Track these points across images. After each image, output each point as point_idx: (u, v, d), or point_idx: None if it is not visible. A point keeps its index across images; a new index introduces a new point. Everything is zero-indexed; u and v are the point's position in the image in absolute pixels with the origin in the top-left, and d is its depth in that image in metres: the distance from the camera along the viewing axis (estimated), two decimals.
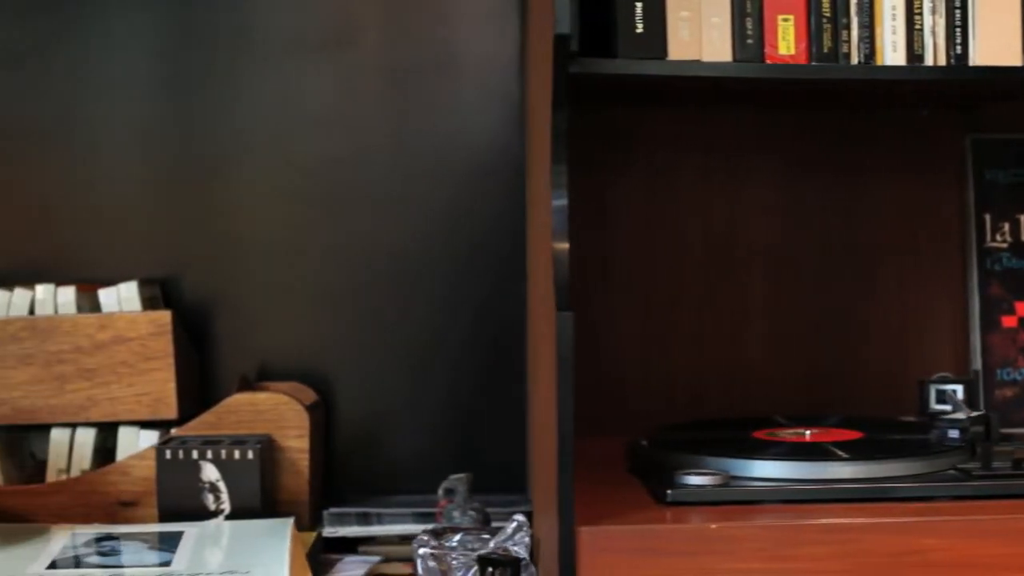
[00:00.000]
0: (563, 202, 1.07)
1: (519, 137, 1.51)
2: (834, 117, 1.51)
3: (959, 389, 1.32)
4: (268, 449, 1.32)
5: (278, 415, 1.34)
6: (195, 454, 1.29)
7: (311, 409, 1.37)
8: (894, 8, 1.22)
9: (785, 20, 1.20)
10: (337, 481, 1.50)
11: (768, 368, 1.51)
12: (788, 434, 1.27)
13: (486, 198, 1.52)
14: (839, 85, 1.27)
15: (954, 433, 1.25)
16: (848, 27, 1.21)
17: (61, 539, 1.22)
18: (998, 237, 1.50)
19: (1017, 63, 1.23)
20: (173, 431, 1.36)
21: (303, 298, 1.51)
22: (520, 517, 1.17)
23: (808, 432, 1.27)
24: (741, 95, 1.39)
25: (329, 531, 1.34)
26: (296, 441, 1.34)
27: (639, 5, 1.18)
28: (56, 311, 1.39)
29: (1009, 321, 1.49)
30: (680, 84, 1.28)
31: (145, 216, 1.50)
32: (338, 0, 1.51)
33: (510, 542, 1.15)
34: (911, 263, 1.53)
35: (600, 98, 1.39)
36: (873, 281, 1.52)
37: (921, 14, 1.22)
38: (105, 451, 1.40)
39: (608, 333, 1.49)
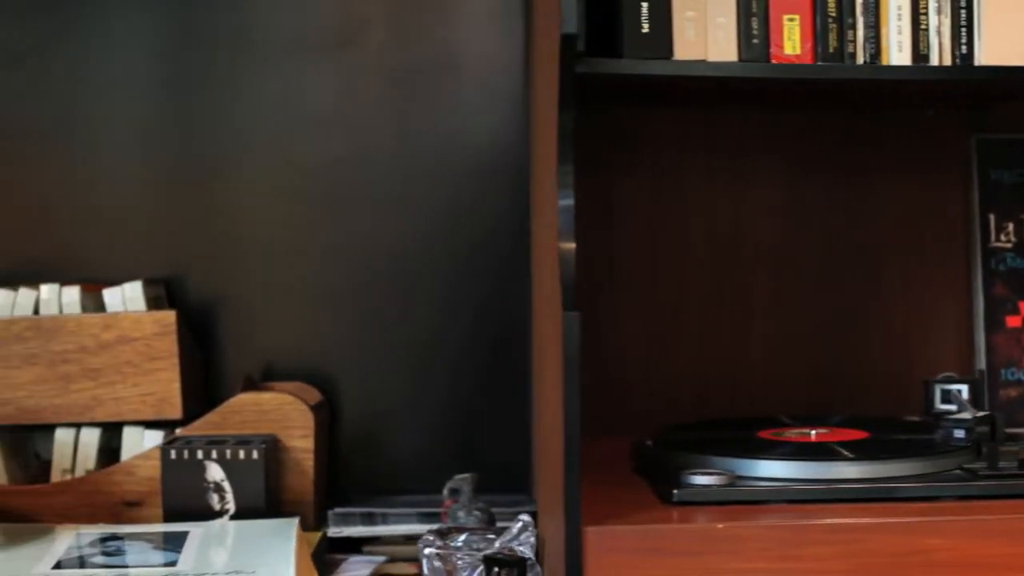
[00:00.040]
0: (569, 202, 1.07)
1: (522, 137, 1.51)
2: (839, 117, 1.51)
3: (964, 389, 1.32)
4: (273, 449, 1.31)
5: (283, 415, 1.34)
6: (200, 454, 1.29)
7: (316, 409, 1.36)
8: (899, 8, 1.22)
9: (791, 20, 1.20)
10: (341, 481, 1.50)
11: (772, 368, 1.51)
12: (793, 434, 1.27)
13: (488, 198, 1.52)
14: (844, 85, 1.27)
15: (959, 433, 1.24)
16: (854, 27, 1.21)
17: (66, 539, 1.22)
18: (1003, 237, 1.50)
19: (1023, 63, 1.23)
20: (178, 431, 1.36)
21: (307, 298, 1.51)
22: (525, 517, 1.17)
23: (813, 432, 1.27)
24: (746, 95, 1.39)
25: (334, 531, 1.33)
26: (301, 441, 1.34)
27: (645, 5, 1.18)
28: (61, 311, 1.39)
29: (1013, 321, 1.49)
30: (685, 84, 1.28)
31: (148, 216, 1.50)
32: (340, 0, 1.51)
33: (515, 542, 1.15)
34: (916, 263, 1.53)
35: (605, 98, 1.39)
36: (878, 281, 1.52)
37: (927, 14, 1.22)
38: (110, 451, 1.39)
39: (612, 333, 1.49)
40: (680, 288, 1.51)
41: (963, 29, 1.22)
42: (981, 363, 1.48)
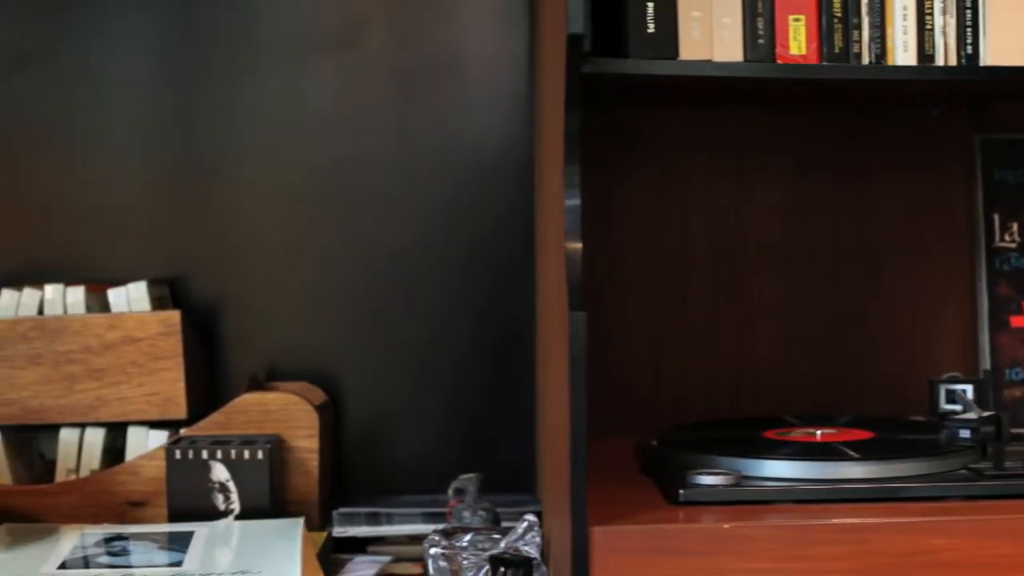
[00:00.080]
0: (576, 202, 1.07)
1: (525, 136, 1.51)
2: (843, 117, 1.51)
3: (969, 389, 1.32)
4: (278, 449, 1.31)
5: (287, 415, 1.34)
6: (205, 454, 1.29)
7: (320, 409, 1.36)
8: (905, 8, 1.22)
9: (796, 20, 1.20)
10: (345, 481, 1.50)
11: (777, 368, 1.51)
12: (798, 434, 1.27)
13: (491, 197, 1.52)
14: (849, 85, 1.27)
15: (965, 433, 1.25)
16: (859, 27, 1.21)
17: (71, 539, 1.22)
18: (1007, 237, 1.50)
19: None
20: (183, 431, 1.36)
21: (311, 298, 1.51)
22: (531, 517, 1.17)
23: (819, 432, 1.27)
24: (750, 95, 1.39)
25: (339, 531, 1.34)
26: (305, 441, 1.34)
27: (651, 5, 1.18)
28: (65, 311, 1.39)
29: (1018, 321, 1.49)
30: (690, 84, 1.28)
31: (151, 216, 1.50)
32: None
33: (521, 542, 1.15)
34: (920, 263, 1.53)
35: (609, 98, 1.39)
36: (882, 281, 1.52)
37: (932, 14, 1.22)
38: (114, 451, 1.39)
39: (617, 333, 1.49)
40: (684, 288, 1.51)
41: (968, 29, 1.22)
42: (986, 363, 1.48)
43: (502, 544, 1.15)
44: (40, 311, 1.39)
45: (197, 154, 1.50)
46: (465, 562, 1.15)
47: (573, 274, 1.06)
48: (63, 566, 1.15)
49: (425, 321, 1.52)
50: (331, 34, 1.51)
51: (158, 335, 1.38)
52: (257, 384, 1.44)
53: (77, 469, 1.38)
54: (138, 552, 1.19)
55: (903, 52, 1.22)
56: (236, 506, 1.28)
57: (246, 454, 1.28)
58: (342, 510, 1.37)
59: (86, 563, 1.16)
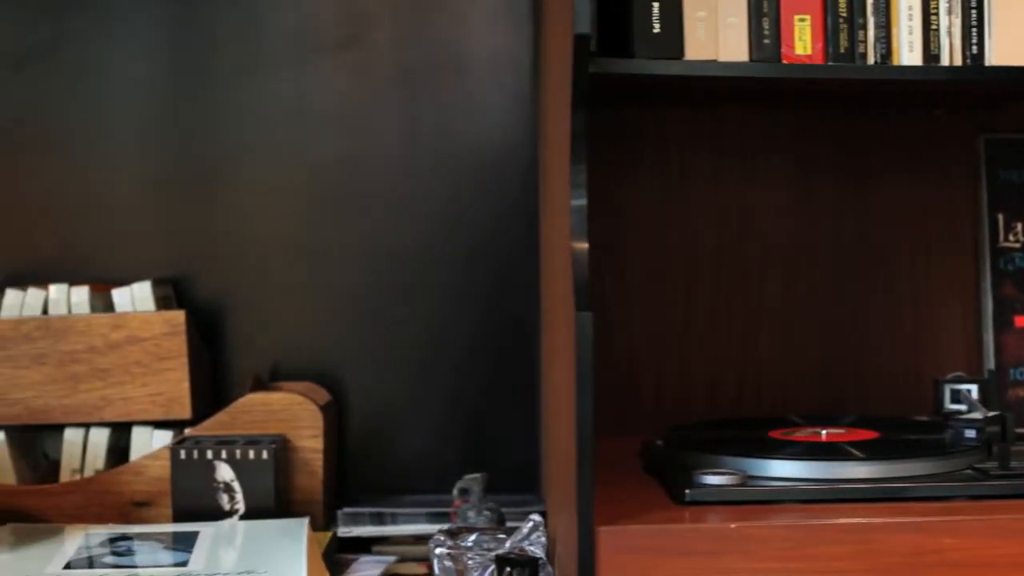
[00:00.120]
0: (582, 202, 1.07)
1: (530, 137, 1.51)
2: (847, 117, 1.51)
3: (974, 389, 1.32)
4: (282, 449, 1.31)
5: (292, 415, 1.34)
6: (209, 454, 1.29)
7: (325, 409, 1.36)
8: (910, 8, 1.22)
9: (802, 20, 1.20)
10: (349, 481, 1.50)
11: (781, 367, 1.50)
12: (804, 434, 1.27)
13: (496, 197, 1.52)
14: (855, 85, 1.26)
15: (970, 433, 1.25)
16: (864, 27, 1.21)
17: (75, 539, 1.22)
18: (1011, 237, 1.50)
19: None
20: (187, 431, 1.36)
21: (315, 298, 1.51)
22: (536, 517, 1.17)
23: (824, 432, 1.27)
24: (754, 95, 1.39)
25: (344, 531, 1.33)
26: (310, 441, 1.34)
27: (656, 5, 1.18)
28: (70, 311, 1.39)
29: (1022, 321, 1.49)
30: (695, 84, 1.28)
31: (155, 216, 1.50)
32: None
33: (526, 542, 1.15)
34: (924, 263, 1.53)
35: (613, 98, 1.39)
36: (886, 281, 1.52)
37: (937, 14, 1.22)
38: (119, 451, 1.39)
39: (621, 333, 1.49)
40: (688, 288, 1.51)
41: (974, 29, 1.22)
42: (990, 363, 1.48)
43: (507, 544, 1.15)
44: (44, 311, 1.39)
45: (200, 154, 1.50)
46: (470, 562, 1.15)
47: (580, 274, 1.06)
48: (68, 566, 1.15)
49: (428, 321, 1.52)
50: (333, 34, 1.51)
51: (162, 335, 1.38)
52: (261, 384, 1.44)
53: (81, 469, 1.38)
54: (143, 552, 1.19)
55: (908, 52, 1.22)
56: (241, 506, 1.28)
57: (251, 454, 1.28)
58: (347, 510, 1.37)
59: (91, 563, 1.16)
